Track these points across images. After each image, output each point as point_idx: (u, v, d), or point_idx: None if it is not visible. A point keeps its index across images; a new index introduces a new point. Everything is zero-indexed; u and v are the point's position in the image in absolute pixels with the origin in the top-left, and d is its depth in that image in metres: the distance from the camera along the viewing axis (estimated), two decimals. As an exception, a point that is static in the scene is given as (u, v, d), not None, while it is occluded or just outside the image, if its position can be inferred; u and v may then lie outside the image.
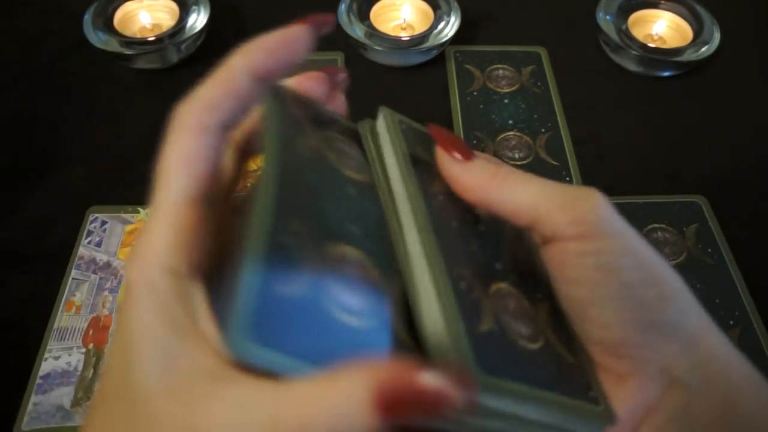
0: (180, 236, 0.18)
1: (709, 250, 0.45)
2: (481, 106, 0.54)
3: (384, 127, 0.26)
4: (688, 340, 0.21)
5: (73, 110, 0.54)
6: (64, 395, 0.38)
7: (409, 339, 0.21)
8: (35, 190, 0.48)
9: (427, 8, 0.58)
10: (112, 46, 0.53)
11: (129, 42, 0.54)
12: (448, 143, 0.24)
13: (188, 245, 0.18)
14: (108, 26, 0.55)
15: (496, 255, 0.24)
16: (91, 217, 0.46)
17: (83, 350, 0.40)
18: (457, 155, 0.23)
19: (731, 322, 0.42)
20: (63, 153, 0.50)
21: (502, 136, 0.52)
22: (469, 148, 0.24)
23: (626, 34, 0.57)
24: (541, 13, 0.64)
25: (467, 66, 0.58)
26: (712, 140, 0.53)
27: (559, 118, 0.54)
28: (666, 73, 0.57)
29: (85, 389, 0.38)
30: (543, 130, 0.53)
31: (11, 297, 0.42)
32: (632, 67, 0.57)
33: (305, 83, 0.26)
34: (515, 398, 0.20)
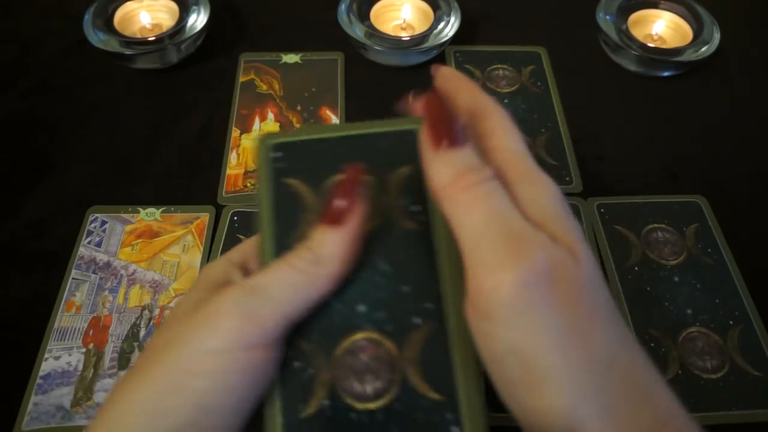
0: None
1: (709, 250, 0.45)
2: (481, 106, 0.54)
3: (257, 156, 0.27)
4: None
5: (73, 110, 0.54)
6: (64, 395, 0.38)
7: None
8: (35, 190, 0.48)
9: (427, 8, 0.58)
10: (112, 46, 0.53)
11: (129, 42, 0.54)
12: (430, 123, 0.22)
13: None
14: (108, 26, 0.55)
15: (362, 293, 0.24)
16: (91, 217, 0.46)
17: (83, 350, 0.40)
18: (428, 143, 0.22)
19: (731, 322, 0.42)
20: (63, 153, 0.50)
21: (502, 136, 0.52)
22: (450, 134, 0.22)
23: (626, 34, 0.57)
24: (541, 13, 0.64)
25: (467, 66, 0.58)
26: (712, 140, 0.53)
27: (559, 118, 0.54)
28: (666, 73, 0.57)
29: (85, 389, 0.38)
30: (543, 130, 0.53)
31: (11, 297, 0.42)
32: (632, 67, 0.57)
33: None
34: None
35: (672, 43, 0.58)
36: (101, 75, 0.56)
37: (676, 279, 0.44)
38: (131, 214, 0.46)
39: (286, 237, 0.25)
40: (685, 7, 0.59)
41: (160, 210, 0.46)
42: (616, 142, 0.53)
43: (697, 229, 0.46)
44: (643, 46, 0.56)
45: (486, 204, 0.20)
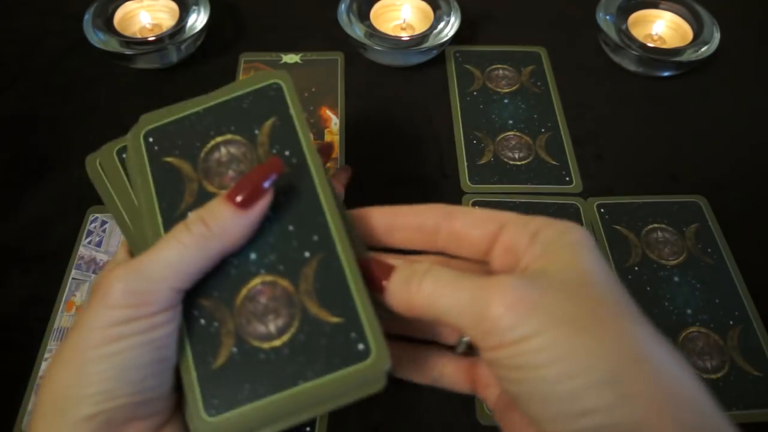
0: None
1: (709, 250, 0.45)
2: (481, 106, 0.54)
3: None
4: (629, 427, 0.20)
5: (73, 110, 0.54)
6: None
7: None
8: (35, 190, 0.48)
9: (427, 8, 0.58)
10: (112, 46, 0.53)
11: (129, 42, 0.54)
12: (370, 281, 0.25)
13: None
14: (108, 26, 0.55)
15: (252, 242, 0.26)
16: (91, 217, 0.46)
17: (83, 350, 0.40)
18: (377, 290, 0.25)
19: (731, 322, 0.42)
20: (63, 153, 0.50)
21: (502, 136, 0.52)
22: (383, 274, 0.25)
23: (626, 34, 0.57)
24: (541, 13, 0.64)
25: (467, 66, 0.58)
26: (712, 140, 0.53)
27: (559, 118, 0.54)
28: (666, 73, 0.57)
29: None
30: (543, 130, 0.53)
31: (11, 297, 0.42)
32: (632, 67, 0.57)
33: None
34: (247, 421, 0.23)
35: (672, 43, 0.58)
36: (101, 75, 0.56)
37: (676, 279, 0.44)
38: None
39: (174, 209, 0.27)
40: (685, 7, 0.59)
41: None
42: (616, 142, 0.53)
43: (697, 229, 0.46)
44: (643, 46, 0.56)
45: (440, 284, 0.23)
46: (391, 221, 0.27)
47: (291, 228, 0.26)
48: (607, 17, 0.58)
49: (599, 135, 0.53)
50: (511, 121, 0.53)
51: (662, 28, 0.59)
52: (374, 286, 0.25)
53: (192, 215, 0.25)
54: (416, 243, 0.27)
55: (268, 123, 0.28)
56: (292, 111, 0.28)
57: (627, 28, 0.57)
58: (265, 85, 0.29)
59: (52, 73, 0.57)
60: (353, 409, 0.38)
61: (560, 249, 0.23)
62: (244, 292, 0.25)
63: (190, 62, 0.57)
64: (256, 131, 0.28)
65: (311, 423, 0.37)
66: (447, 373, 0.28)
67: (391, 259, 0.26)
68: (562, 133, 0.53)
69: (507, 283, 0.22)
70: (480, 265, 0.27)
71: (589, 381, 0.20)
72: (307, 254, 0.25)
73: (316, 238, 0.25)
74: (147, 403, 0.24)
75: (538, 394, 0.21)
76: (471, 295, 0.22)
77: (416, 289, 0.24)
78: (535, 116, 0.54)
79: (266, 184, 0.25)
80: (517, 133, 0.52)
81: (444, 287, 0.23)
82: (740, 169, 0.51)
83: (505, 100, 0.55)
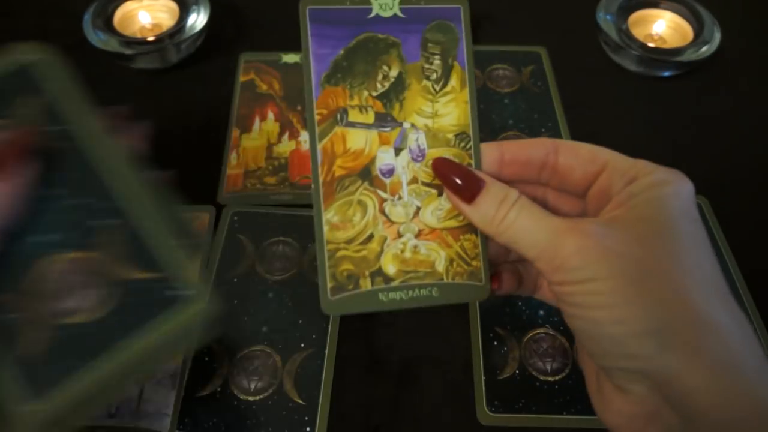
0: None
1: (709, 250, 0.45)
2: (481, 106, 0.54)
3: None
4: (666, 375, 0.21)
5: (73, 110, 0.54)
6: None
7: None
8: (35, 190, 0.48)
9: (427, 8, 0.58)
10: (112, 46, 0.53)
11: (129, 42, 0.54)
12: (452, 188, 0.26)
13: None
14: (108, 26, 0.55)
15: (40, 224, 0.25)
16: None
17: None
18: (460, 203, 0.26)
19: (731, 322, 0.42)
20: (63, 153, 0.50)
21: (503, 135, 0.52)
22: (473, 184, 0.26)
23: (626, 34, 0.57)
24: (541, 13, 0.64)
25: (467, 66, 0.58)
26: (712, 140, 0.53)
27: (559, 118, 0.54)
28: (666, 73, 0.57)
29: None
30: (543, 130, 0.53)
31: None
32: (632, 67, 0.57)
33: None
34: (74, 395, 0.23)
35: (672, 43, 0.58)
36: (101, 75, 0.56)
37: (676, 279, 0.44)
38: None
39: None
40: (686, 6, 0.59)
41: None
42: (616, 142, 0.52)
43: (697, 229, 0.46)
44: (643, 46, 0.56)
45: (523, 218, 0.24)
46: (500, 156, 0.28)
47: (81, 201, 0.26)
48: (607, 17, 0.58)
49: (599, 135, 0.53)
50: (511, 121, 0.53)
51: (662, 27, 0.59)
52: (461, 195, 0.26)
53: None
54: (525, 177, 0.28)
55: (35, 102, 0.28)
56: (52, 85, 0.28)
57: (627, 28, 0.57)
58: (17, 68, 0.28)
59: (52, 73, 0.56)
60: (353, 409, 0.38)
61: (650, 200, 0.24)
62: (37, 274, 0.25)
63: (190, 62, 0.57)
64: (20, 110, 0.27)
65: (311, 423, 0.37)
66: (544, 285, 0.30)
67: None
68: (562, 132, 0.53)
69: (584, 227, 0.23)
70: (579, 201, 0.28)
71: (634, 330, 0.21)
72: (104, 224, 0.26)
73: (108, 204, 0.26)
74: None
75: (590, 331, 0.23)
76: (549, 234, 0.23)
77: (503, 215, 0.25)
78: (535, 116, 0.54)
79: (17, 154, 0.25)
80: (518, 133, 0.52)
81: (527, 220, 0.24)
82: (740, 169, 0.51)
83: (506, 100, 0.55)
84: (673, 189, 0.24)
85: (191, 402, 0.38)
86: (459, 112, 0.29)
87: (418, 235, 0.28)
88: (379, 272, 0.27)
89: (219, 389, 0.38)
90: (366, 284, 0.27)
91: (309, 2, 0.26)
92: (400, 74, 0.28)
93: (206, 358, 0.39)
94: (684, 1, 0.59)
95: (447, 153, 0.28)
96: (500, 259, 0.30)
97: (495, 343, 0.41)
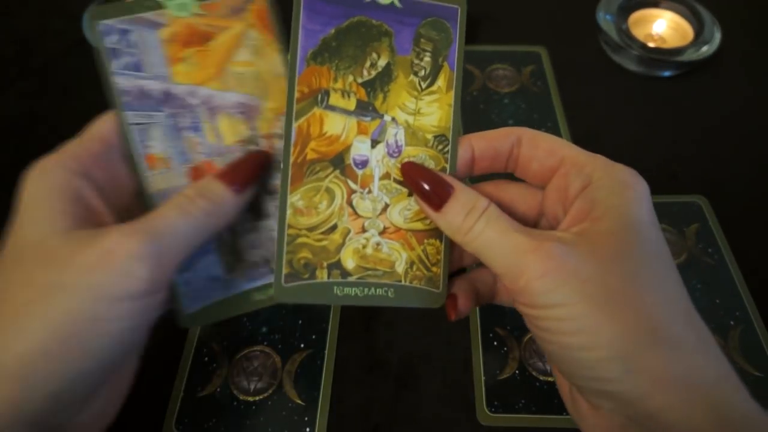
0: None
1: (709, 250, 0.45)
2: (481, 106, 0.54)
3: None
4: (634, 397, 0.22)
5: (73, 110, 0.54)
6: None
7: None
8: (35, 190, 0.48)
9: (427, 8, 0.58)
10: (112, 46, 0.53)
11: (129, 42, 0.54)
12: (420, 194, 0.26)
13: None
14: (108, 26, 0.55)
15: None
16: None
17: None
18: (428, 209, 0.26)
19: (731, 322, 0.42)
20: (63, 153, 0.50)
21: (502, 136, 0.52)
22: (441, 191, 0.25)
23: (626, 34, 0.57)
24: (541, 13, 0.64)
25: (467, 66, 0.58)
26: (712, 140, 0.53)
27: (559, 118, 0.54)
28: (666, 73, 0.57)
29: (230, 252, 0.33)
30: (543, 130, 0.53)
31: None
32: (632, 67, 0.57)
33: None
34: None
35: (672, 42, 0.58)
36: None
37: (677, 279, 0.44)
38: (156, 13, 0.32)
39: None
40: (686, 6, 0.59)
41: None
42: (616, 142, 0.53)
43: (697, 229, 0.46)
44: (643, 46, 0.56)
45: (490, 230, 0.24)
46: (471, 156, 0.28)
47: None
48: (608, 17, 0.58)
49: (599, 135, 0.53)
50: (511, 121, 0.53)
51: (663, 27, 0.59)
52: (429, 201, 0.26)
53: (191, 190, 0.25)
54: (495, 169, 0.28)
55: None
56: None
57: (627, 28, 0.57)
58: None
59: (52, 73, 0.57)
60: (353, 409, 0.38)
61: (613, 209, 0.24)
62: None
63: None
64: None
65: (311, 423, 0.37)
66: (501, 290, 0.30)
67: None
68: (562, 132, 0.53)
69: (548, 248, 0.22)
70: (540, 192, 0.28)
71: (602, 356, 0.22)
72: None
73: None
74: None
75: (559, 354, 0.23)
76: (514, 251, 0.23)
77: (470, 225, 0.24)
78: (536, 116, 0.54)
79: (257, 171, 0.27)
80: (517, 133, 0.52)
81: (493, 233, 0.24)
82: (740, 169, 0.51)
83: (506, 100, 0.55)
84: (634, 194, 0.24)
85: (191, 402, 0.38)
86: (441, 114, 0.28)
87: (382, 233, 0.27)
88: (337, 265, 0.27)
89: (218, 389, 0.38)
90: (322, 275, 0.26)
91: None
92: (388, 65, 0.27)
93: (206, 359, 0.39)
94: (684, 1, 0.59)
95: (424, 153, 0.28)
96: (455, 265, 0.30)
97: (495, 343, 0.41)
